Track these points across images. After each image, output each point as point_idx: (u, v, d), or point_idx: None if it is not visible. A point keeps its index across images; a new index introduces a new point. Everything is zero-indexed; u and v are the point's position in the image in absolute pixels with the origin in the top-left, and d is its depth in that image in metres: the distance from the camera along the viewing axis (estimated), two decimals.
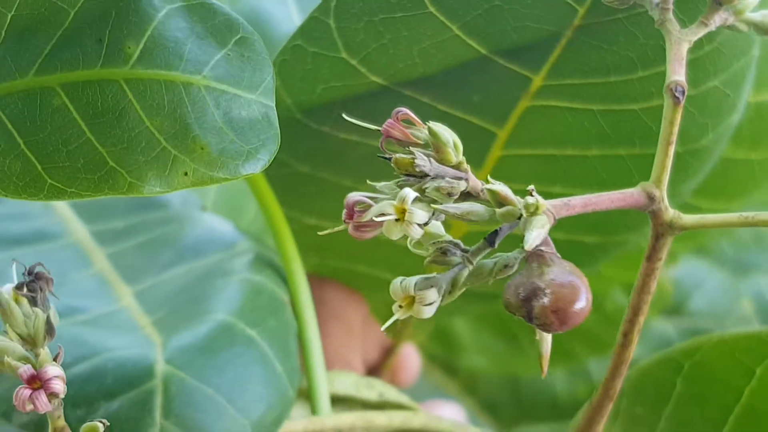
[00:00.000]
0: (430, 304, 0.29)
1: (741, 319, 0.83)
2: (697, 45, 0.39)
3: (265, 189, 0.43)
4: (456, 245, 0.30)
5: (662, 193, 0.32)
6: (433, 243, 0.30)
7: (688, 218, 0.32)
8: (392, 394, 0.44)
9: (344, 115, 0.30)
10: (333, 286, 0.53)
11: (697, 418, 0.44)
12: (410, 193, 0.28)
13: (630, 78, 0.41)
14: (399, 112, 0.30)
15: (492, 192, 0.28)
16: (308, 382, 0.41)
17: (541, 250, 0.28)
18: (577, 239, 0.50)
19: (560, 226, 0.41)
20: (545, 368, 0.29)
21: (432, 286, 0.29)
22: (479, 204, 0.29)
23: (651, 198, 0.31)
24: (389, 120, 0.29)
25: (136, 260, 0.43)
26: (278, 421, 0.38)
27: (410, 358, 0.60)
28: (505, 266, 0.29)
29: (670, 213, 0.32)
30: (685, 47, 0.32)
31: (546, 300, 0.26)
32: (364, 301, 0.54)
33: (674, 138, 0.31)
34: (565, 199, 0.30)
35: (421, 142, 0.29)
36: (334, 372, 0.44)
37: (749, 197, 0.58)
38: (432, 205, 0.28)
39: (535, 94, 0.42)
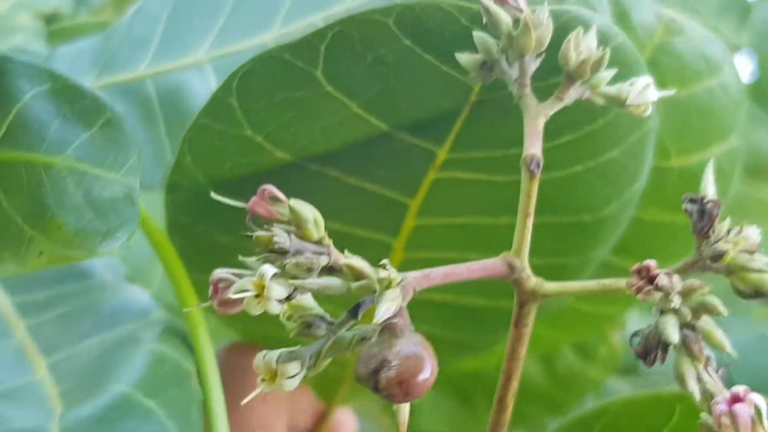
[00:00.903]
0: (293, 377, 0.30)
1: None
2: (593, 118, 0.40)
3: (173, 259, 0.44)
4: (322, 318, 0.31)
5: (523, 263, 0.33)
6: (300, 316, 0.31)
7: (550, 285, 0.33)
8: None
9: (212, 194, 0.31)
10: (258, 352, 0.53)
11: None
12: (268, 270, 0.29)
13: None
14: (264, 189, 0.31)
15: (349, 266, 0.30)
16: None
17: (393, 323, 0.29)
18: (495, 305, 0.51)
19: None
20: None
21: (294, 360, 0.30)
22: (337, 279, 0.30)
23: (512, 268, 0.33)
24: (254, 197, 0.31)
25: (56, 331, 0.44)
26: None
27: (345, 423, 0.60)
28: (363, 338, 0.30)
29: (533, 281, 0.33)
30: (542, 121, 0.33)
31: (391, 372, 0.27)
32: None
33: (532, 210, 0.32)
34: (426, 271, 0.31)
35: (285, 219, 0.30)
36: None
37: (677, 259, 0.58)
38: (291, 281, 0.29)
39: (441, 166, 0.43)
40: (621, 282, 0.31)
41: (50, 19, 0.57)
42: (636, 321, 0.87)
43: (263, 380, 0.30)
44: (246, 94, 0.40)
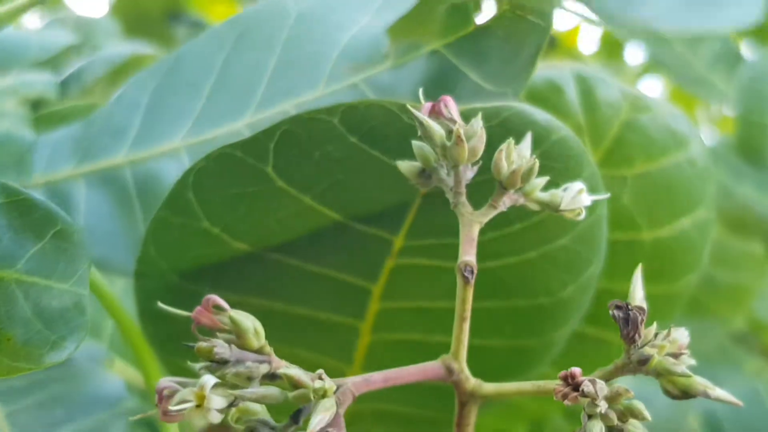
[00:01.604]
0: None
1: None
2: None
3: (143, 348, 0.45)
4: (265, 423, 0.32)
5: (461, 365, 0.34)
6: (246, 420, 0.32)
7: (488, 386, 0.34)
8: None
9: (159, 304, 0.32)
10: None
11: None
12: (209, 381, 0.30)
13: (484, 239, 0.43)
14: (209, 299, 0.32)
15: (287, 376, 0.31)
16: None
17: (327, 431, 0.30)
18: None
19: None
20: None
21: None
22: (275, 388, 0.31)
23: (450, 371, 0.34)
24: (198, 307, 0.32)
25: (31, 419, 0.44)
26: None
27: None
28: None
29: (471, 382, 0.34)
30: (476, 228, 0.34)
31: None
32: None
33: (467, 314, 0.33)
34: (366, 375, 0.33)
35: (227, 328, 0.32)
36: None
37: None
38: (230, 391, 0.30)
39: (399, 254, 0.44)
40: (552, 383, 0.32)
41: (36, 104, 0.58)
42: (639, 380, 0.88)
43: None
44: (202, 188, 0.41)
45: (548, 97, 0.51)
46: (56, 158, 0.51)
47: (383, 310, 0.47)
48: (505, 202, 0.34)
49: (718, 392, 0.32)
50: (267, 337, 0.48)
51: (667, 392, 0.33)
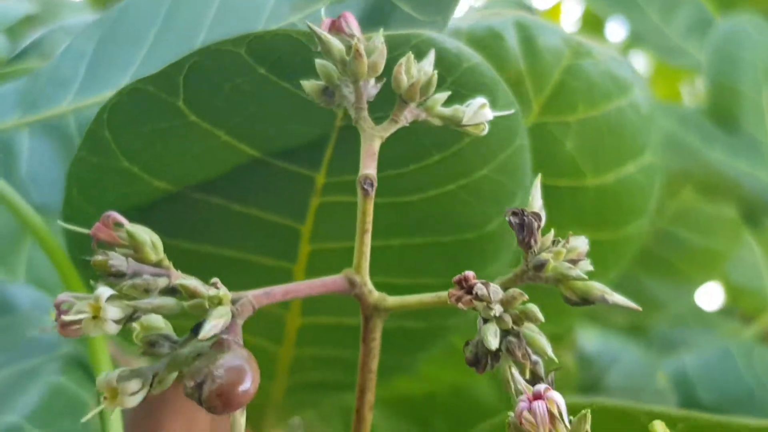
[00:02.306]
0: (134, 394, 0.31)
1: (656, 393, 0.84)
2: (457, 138, 0.42)
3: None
4: (166, 337, 0.32)
5: (363, 278, 0.34)
6: (145, 335, 0.32)
7: (391, 299, 0.34)
8: None
9: (58, 221, 0.32)
10: (177, 386, 0.54)
11: None
12: (104, 293, 0.30)
13: (403, 171, 0.44)
14: (108, 215, 0.32)
15: (182, 286, 0.31)
16: None
17: (222, 339, 0.30)
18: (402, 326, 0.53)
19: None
20: None
21: (135, 378, 0.31)
22: (171, 299, 0.31)
23: (352, 284, 0.34)
24: (97, 224, 0.32)
25: None
26: None
27: None
28: (198, 355, 0.31)
29: (375, 296, 0.34)
30: (378, 143, 0.34)
31: (212, 385, 0.29)
32: None
33: (368, 227, 0.34)
34: (267, 289, 0.33)
35: (125, 243, 0.32)
36: None
37: (607, 276, 0.60)
38: (126, 302, 0.31)
39: (322, 191, 0.44)
40: (445, 294, 0.33)
41: None
42: (587, 339, 0.88)
43: (105, 398, 0.31)
44: (117, 126, 0.41)
45: (489, 44, 0.51)
46: (1, 111, 0.52)
47: (314, 251, 0.48)
48: (407, 117, 0.35)
49: (616, 297, 0.32)
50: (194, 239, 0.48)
51: (567, 299, 0.33)
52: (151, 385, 0.32)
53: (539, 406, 0.28)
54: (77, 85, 0.50)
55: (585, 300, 0.32)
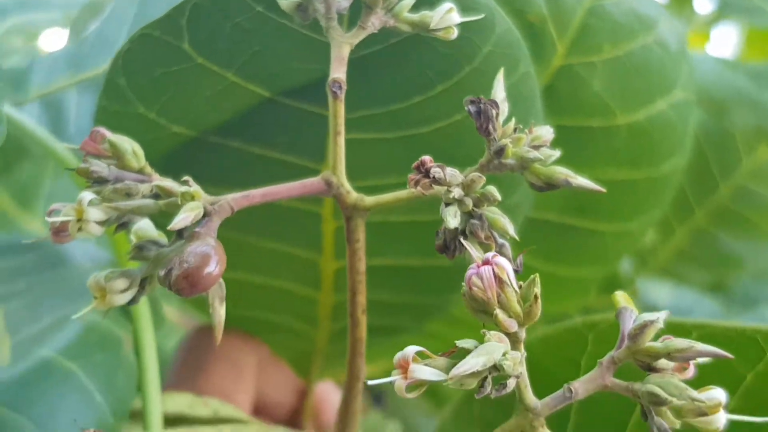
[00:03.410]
0: (122, 292, 0.33)
1: None
2: (457, 67, 0.43)
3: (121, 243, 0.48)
4: (155, 242, 0.34)
5: (340, 179, 0.35)
6: (137, 242, 0.35)
7: (369, 199, 0.36)
8: (227, 410, 0.48)
9: None
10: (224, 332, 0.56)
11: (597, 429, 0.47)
12: (86, 196, 0.33)
13: (409, 104, 0.45)
14: (96, 131, 0.34)
15: (159, 187, 0.33)
16: (142, 404, 0.45)
17: (195, 232, 0.32)
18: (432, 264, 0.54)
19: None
20: (218, 337, 0.33)
21: (122, 277, 0.33)
22: (149, 200, 0.33)
23: (329, 184, 0.35)
24: (86, 139, 0.34)
25: (25, 311, 0.48)
26: None
27: (327, 398, 0.62)
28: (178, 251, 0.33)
29: (353, 196, 0.36)
30: (347, 49, 0.36)
31: (179, 269, 0.31)
32: (259, 344, 0.58)
33: (341, 129, 0.35)
34: (245, 192, 0.35)
35: (109, 154, 0.34)
36: (168, 394, 0.48)
37: (647, 214, 0.60)
38: (106, 204, 0.33)
39: None
40: (433, 190, 0.34)
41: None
42: (659, 293, 0.87)
43: (95, 298, 0.33)
44: (130, 72, 0.43)
45: None
46: (53, 73, 0.55)
47: None
48: (374, 23, 0.36)
49: (579, 180, 0.33)
50: (226, 228, 0.50)
51: (532, 186, 0.34)
52: (141, 287, 0.33)
53: (486, 270, 0.29)
54: (120, 44, 0.52)
55: (549, 184, 0.33)
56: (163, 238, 0.35)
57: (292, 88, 0.44)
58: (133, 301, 0.34)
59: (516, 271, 0.31)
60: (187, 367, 0.54)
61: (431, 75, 0.44)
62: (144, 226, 0.35)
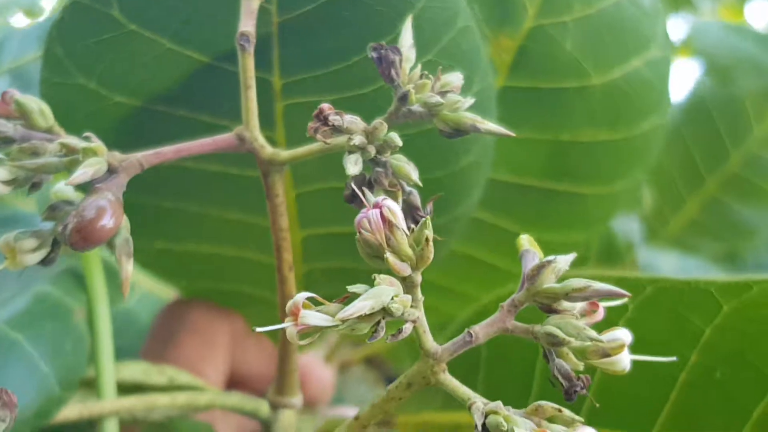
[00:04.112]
0: (32, 251, 0.33)
1: None
2: (392, 24, 0.42)
3: None
4: (70, 203, 0.34)
5: (253, 134, 0.35)
6: (51, 203, 0.35)
7: (285, 153, 0.35)
8: (184, 378, 0.48)
9: None
10: (196, 305, 0.56)
11: (506, 378, 0.46)
12: None
13: (349, 63, 0.44)
14: (6, 93, 0.34)
15: (63, 144, 0.33)
16: (96, 372, 0.45)
17: (95, 186, 0.32)
18: None
19: None
20: (126, 292, 0.33)
21: (32, 237, 0.33)
22: (54, 157, 0.33)
23: (242, 140, 0.35)
24: None
25: None
26: (42, 415, 0.42)
27: (311, 369, 0.62)
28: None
29: (268, 150, 0.35)
30: (256, 3, 0.36)
31: (73, 223, 0.31)
32: (234, 317, 0.58)
33: (251, 83, 0.35)
34: (156, 150, 0.34)
35: (17, 115, 0.34)
36: (123, 363, 0.48)
37: (630, 175, 0.59)
38: (11, 163, 0.33)
39: (282, 94, 0.45)
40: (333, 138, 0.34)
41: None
42: (664, 259, 0.86)
43: (6, 258, 0.33)
44: (66, 41, 0.43)
45: None
46: (23, 48, 0.56)
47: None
48: None
49: (488, 125, 0.33)
50: (181, 199, 0.50)
51: (442, 133, 0.33)
52: (54, 246, 0.33)
53: (373, 213, 0.29)
54: None
55: (458, 130, 0.32)
56: (73, 197, 0.35)
57: (230, 53, 0.44)
58: (46, 261, 0.34)
59: (422, 217, 0.31)
60: (158, 339, 0.54)
61: (367, 33, 0.43)
62: (62, 188, 0.35)
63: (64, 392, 0.43)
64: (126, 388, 0.46)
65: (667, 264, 0.85)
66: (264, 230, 0.52)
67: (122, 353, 0.50)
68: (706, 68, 1.00)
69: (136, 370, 0.47)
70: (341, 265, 0.55)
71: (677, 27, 1.25)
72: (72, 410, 0.43)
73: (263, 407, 0.49)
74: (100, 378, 0.44)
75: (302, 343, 0.29)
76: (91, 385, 0.45)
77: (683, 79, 1.13)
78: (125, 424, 0.45)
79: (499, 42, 0.51)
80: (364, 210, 0.29)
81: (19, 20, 0.68)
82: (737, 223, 0.92)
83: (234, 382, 0.57)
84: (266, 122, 0.45)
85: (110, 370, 0.45)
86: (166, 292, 0.65)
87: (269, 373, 0.59)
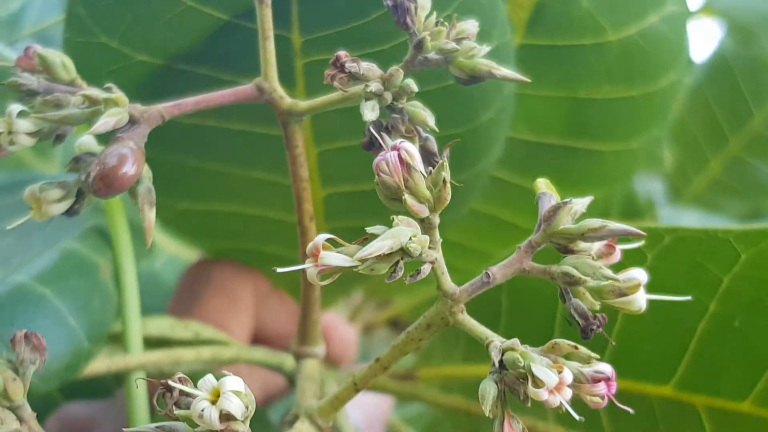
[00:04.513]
0: (58, 201, 0.34)
1: None
2: None
3: None
4: (93, 154, 0.35)
5: (272, 85, 0.36)
6: (75, 155, 0.35)
7: (303, 103, 0.36)
8: (209, 332, 0.49)
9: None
10: (221, 265, 0.57)
11: (527, 328, 0.47)
12: (14, 108, 0.33)
13: (368, 20, 0.44)
14: (29, 48, 0.35)
15: (85, 96, 0.34)
16: (122, 327, 0.45)
17: (117, 136, 0.33)
18: None
19: None
20: (149, 240, 0.33)
21: (57, 188, 0.34)
22: (76, 108, 0.34)
23: (261, 90, 0.36)
24: (20, 55, 0.35)
25: (18, 244, 0.49)
26: (72, 369, 0.43)
27: (335, 328, 0.62)
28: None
29: (287, 101, 0.36)
30: None
31: (96, 170, 0.31)
32: (258, 276, 0.58)
33: (269, 34, 0.35)
34: (176, 102, 0.35)
35: (40, 68, 0.35)
36: (149, 318, 0.48)
37: (647, 132, 0.59)
38: (35, 116, 0.33)
39: (301, 51, 0.46)
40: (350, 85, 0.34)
41: None
42: (685, 217, 0.86)
43: (32, 209, 0.34)
44: (88, 2, 0.44)
45: None
46: (45, 12, 0.57)
47: (313, 116, 0.49)
48: None
49: (503, 71, 0.33)
50: (205, 158, 0.50)
51: (458, 80, 0.34)
52: (79, 197, 0.34)
53: (391, 155, 0.29)
54: None
55: (474, 77, 0.33)
56: (96, 150, 0.35)
57: (250, 11, 0.44)
58: (71, 211, 0.34)
59: (437, 162, 0.31)
60: (184, 298, 0.55)
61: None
62: (85, 140, 0.35)
63: (93, 346, 0.44)
64: (152, 343, 0.47)
65: (689, 222, 0.85)
66: (287, 189, 0.53)
67: (148, 313, 0.50)
68: (728, 28, 1.00)
69: (162, 325, 0.48)
70: (363, 224, 0.55)
71: None
72: (100, 364, 0.44)
73: (288, 361, 0.49)
74: (127, 332, 0.45)
75: (322, 283, 0.29)
76: (117, 340, 0.46)
77: (706, 39, 1.13)
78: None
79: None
80: (382, 153, 0.30)
81: None
82: (761, 182, 0.91)
83: (257, 341, 0.58)
84: (287, 80, 0.45)
85: (137, 325, 0.45)
86: (190, 255, 0.66)
87: (292, 333, 0.59)
